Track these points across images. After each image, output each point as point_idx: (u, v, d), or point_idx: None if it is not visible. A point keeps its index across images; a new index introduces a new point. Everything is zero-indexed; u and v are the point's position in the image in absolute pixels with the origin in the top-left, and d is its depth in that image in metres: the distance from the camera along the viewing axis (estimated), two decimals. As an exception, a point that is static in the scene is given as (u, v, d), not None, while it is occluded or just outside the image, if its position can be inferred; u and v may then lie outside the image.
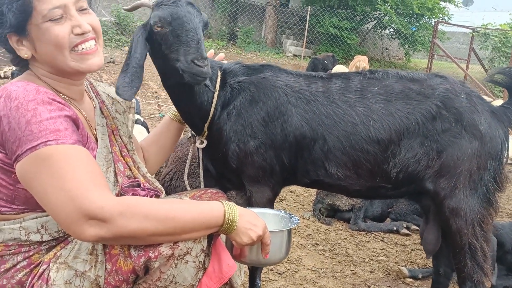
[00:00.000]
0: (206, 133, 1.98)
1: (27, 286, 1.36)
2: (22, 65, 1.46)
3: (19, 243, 1.37)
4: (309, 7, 15.91)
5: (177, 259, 1.33)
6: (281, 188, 2.13)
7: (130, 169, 1.63)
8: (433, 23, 15.30)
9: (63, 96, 1.45)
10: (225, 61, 2.16)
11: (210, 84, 1.89)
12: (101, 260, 1.35)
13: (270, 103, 1.94)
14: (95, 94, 1.67)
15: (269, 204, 2.04)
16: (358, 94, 1.97)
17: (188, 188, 2.05)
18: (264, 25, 17.27)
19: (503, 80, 2.08)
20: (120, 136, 1.65)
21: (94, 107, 1.60)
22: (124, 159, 1.62)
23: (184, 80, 1.70)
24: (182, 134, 2.13)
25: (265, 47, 16.40)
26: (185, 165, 2.12)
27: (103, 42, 1.53)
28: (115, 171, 1.54)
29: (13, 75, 1.57)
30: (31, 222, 1.36)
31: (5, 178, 1.32)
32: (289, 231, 1.61)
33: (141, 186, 1.51)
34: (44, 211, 1.33)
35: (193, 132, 2.04)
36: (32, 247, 1.38)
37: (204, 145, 1.99)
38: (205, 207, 1.37)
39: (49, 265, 1.35)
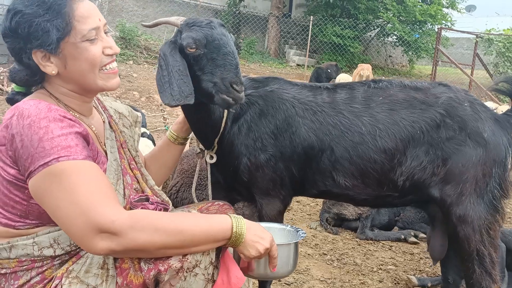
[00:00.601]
0: (215, 148, 1.98)
1: (40, 301, 1.37)
2: (38, 82, 1.46)
3: (32, 259, 1.38)
4: (312, 16, 16.02)
5: (186, 272, 1.34)
6: (291, 199, 2.14)
7: (138, 182, 1.64)
8: (436, 30, 15.30)
9: (74, 113, 1.48)
10: None
11: None
12: (112, 274, 1.36)
13: (278, 116, 1.96)
14: (102, 109, 1.70)
15: (279, 216, 2.04)
16: (363, 104, 1.99)
17: (196, 200, 2.06)
18: (267, 35, 17.38)
19: (506, 88, 2.10)
20: (128, 149, 1.68)
21: (103, 122, 1.63)
22: (132, 172, 1.64)
23: (213, 103, 1.70)
24: (188, 146, 2.13)
25: (268, 57, 16.47)
26: (192, 177, 2.12)
27: None
28: (123, 184, 1.56)
29: (11, 101, 1.47)
30: (44, 237, 1.38)
31: (18, 194, 1.34)
32: (296, 244, 1.61)
33: (150, 200, 1.53)
34: (57, 225, 1.34)
35: (202, 147, 2.03)
36: (45, 262, 1.39)
37: (214, 160, 1.98)
38: (213, 221, 1.38)
39: (61, 280, 1.36)
